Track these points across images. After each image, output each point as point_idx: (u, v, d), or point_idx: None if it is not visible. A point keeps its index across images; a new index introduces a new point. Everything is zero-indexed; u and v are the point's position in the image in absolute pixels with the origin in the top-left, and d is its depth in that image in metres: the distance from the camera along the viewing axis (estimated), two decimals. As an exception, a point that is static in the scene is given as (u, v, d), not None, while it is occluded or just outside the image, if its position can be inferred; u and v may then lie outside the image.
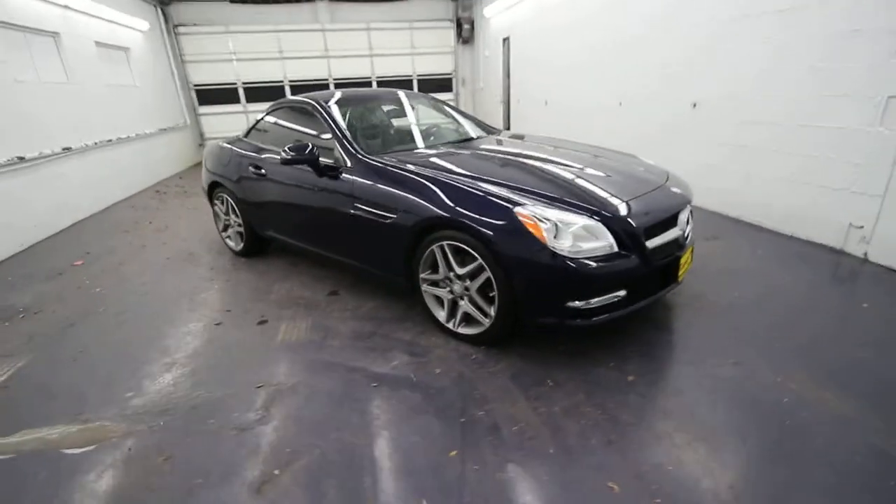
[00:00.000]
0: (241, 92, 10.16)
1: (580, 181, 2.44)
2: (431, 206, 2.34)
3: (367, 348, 2.52)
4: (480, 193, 2.25)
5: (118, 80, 7.11)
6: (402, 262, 2.60)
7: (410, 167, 2.60)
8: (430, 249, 2.42)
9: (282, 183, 3.27)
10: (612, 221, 2.13)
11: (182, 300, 3.24)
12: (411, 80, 11.02)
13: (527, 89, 8.45)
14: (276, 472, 1.72)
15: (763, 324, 2.52)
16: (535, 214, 2.07)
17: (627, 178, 2.57)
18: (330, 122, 3.05)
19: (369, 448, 1.81)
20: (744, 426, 1.82)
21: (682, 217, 2.41)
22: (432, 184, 2.41)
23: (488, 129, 3.75)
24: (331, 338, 2.64)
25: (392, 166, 2.65)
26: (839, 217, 3.34)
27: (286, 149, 2.88)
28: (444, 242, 2.34)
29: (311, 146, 2.86)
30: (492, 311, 2.29)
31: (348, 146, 2.87)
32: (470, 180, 2.39)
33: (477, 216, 2.18)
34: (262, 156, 3.45)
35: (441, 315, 2.56)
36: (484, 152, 2.99)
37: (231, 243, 4.10)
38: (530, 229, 2.06)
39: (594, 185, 2.40)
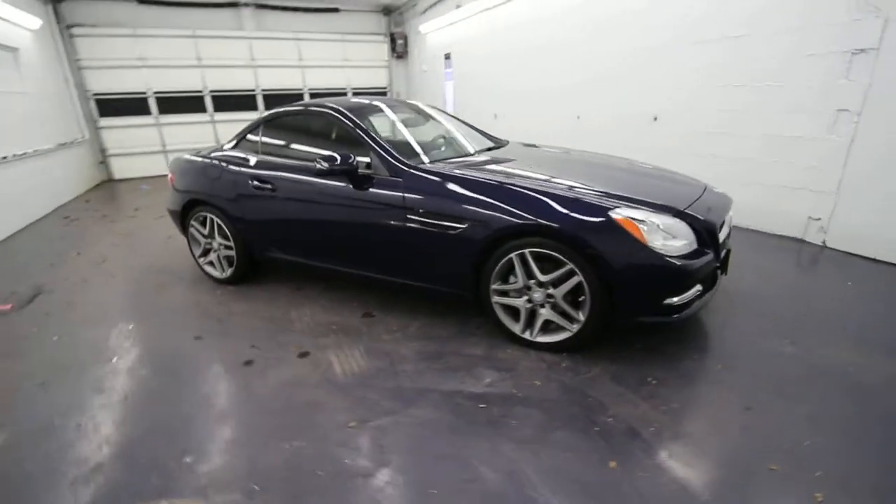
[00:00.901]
0: (152, 102, 9.00)
1: (643, 184, 2.54)
2: (515, 214, 2.26)
3: (446, 369, 2.34)
4: (571, 197, 2.24)
5: (5, 85, 5.89)
6: (467, 274, 2.48)
7: (477, 175, 2.51)
8: (506, 259, 2.34)
9: (297, 199, 2.96)
10: (691, 220, 2.25)
11: (185, 340, 2.74)
12: (346, 93, 10.70)
13: (471, 102, 8.65)
14: (436, 517, 1.51)
15: (781, 307, 2.83)
16: (631, 216, 2.12)
17: (674, 182, 2.74)
18: (362, 131, 2.82)
19: (525, 473, 1.67)
20: (831, 393, 2.02)
21: (728, 215, 2.63)
22: (510, 191, 2.35)
23: (495, 139, 3.75)
24: (399, 363, 2.41)
25: (456, 175, 2.53)
26: (799, 211, 3.91)
27: (320, 159, 2.62)
28: (527, 250, 2.28)
29: (350, 156, 2.63)
30: (581, 316, 2.27)
31: (389, 156, 2.68)
32: (548, 185, 2.37)
33: (570, 221, 2.17)
34: (268, 171, 3.08)
35: (516, 326, 2.47)
36: (532, 159, 2.98)
37: (213, 270, 3.58)
38: (629, 230, 2.09)
39: (656, 188, 2.52)
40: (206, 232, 3.47)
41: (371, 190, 2.66)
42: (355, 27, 10.40)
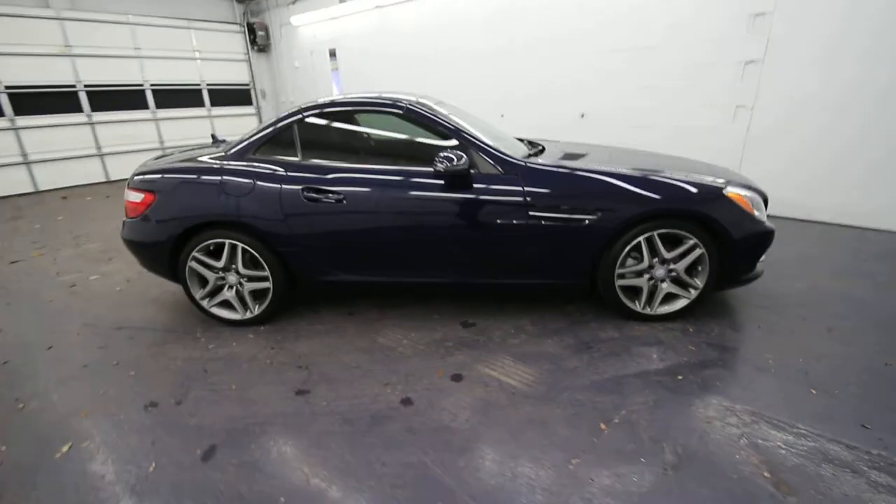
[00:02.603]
0: None
1: (697, 168, 2.96)
2: (648, 200, 2.44)
3: (608, 355, 2.40)
4: (688, 181, 2.52)
5: None
6: (586, 262, 2.58)
7: (596, 167, 2.60)
8: (634, 242, 2.51)
9: (378, 209, 2.57)
10: (759, 192, 2.77)
11: (297, 408, 2.14)
12: (200, 90, 9.05)
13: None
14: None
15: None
16: (739, 192, 2.52)
17: (712, 167, 3.24)
18: (458, 128, 2.61)
19: (777, 408, 1.89)
20: None
21: None
22: (635, 179, 2.51)
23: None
24: (559, 361, 2.37)
25: (578, 168, 2.58)
26: (711, 185, 5.05)
27: (443, 158, 2.37)
28: (655, 232, 2.50)
29: (463, 155, 2.42)
30: (699, 283, 2.60)
31: (498, 153, 2.56)
32: (653, 173, 2.60)
33: (697, 202, 2.46)
34: (329, 179, 2.57)
35: (636, 304, 2.67)
36: (598, 153, 3.09)
37: (226, 312, 2.81)
38: (741, 204, 2.49)
39: (708, 169, 2.98)
40: (220, 264, 2.69)
41: (478, 188, 2.50)
42: (202, 13, 8.89)
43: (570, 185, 2.52)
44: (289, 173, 2.60)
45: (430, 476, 1.69)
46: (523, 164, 2.55)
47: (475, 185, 2.50)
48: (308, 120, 2.73)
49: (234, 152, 2.74)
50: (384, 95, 2.79)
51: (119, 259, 4.09)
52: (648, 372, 2.25)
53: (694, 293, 2.63)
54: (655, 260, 2.56)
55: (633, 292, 2.69)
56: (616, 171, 2.55)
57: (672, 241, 2.55)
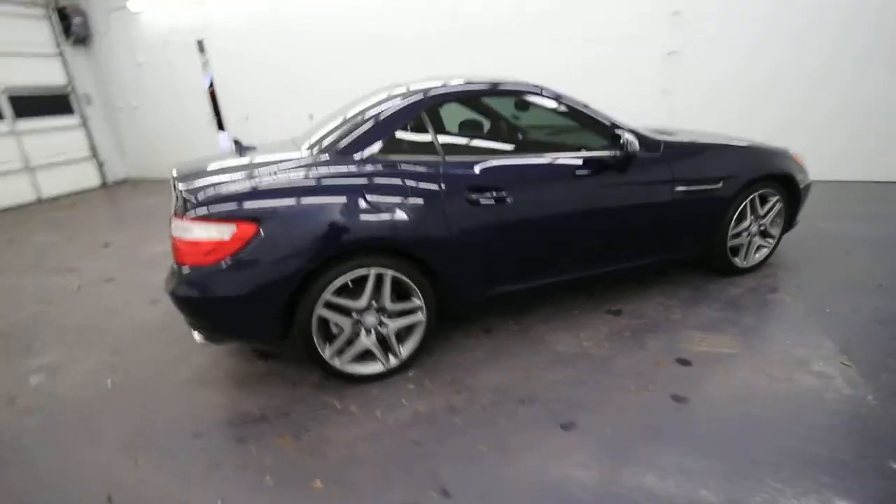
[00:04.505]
0: None
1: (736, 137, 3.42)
2: (755, 167, 2.74)
3: (755, 304, 2.63)
4: (768, 148, 2.89)
5: None
6: (713, 230, 2.78)
7: (708, 140, 2.78)
8: (741, 206, 2.80)
9: (546, 203, 2.31)
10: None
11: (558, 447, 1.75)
12: (-8, 97, 6.42)
13: (267, 101, 7.10)
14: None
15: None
16: (795, 152, 3.01)
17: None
18: (590, 111, 2.48)
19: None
20: None
21: None
22: (745, 148, 2.81)
23: None
24: (739, 320, 2.50)
25: (700, 142, 2.73)
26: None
27: (621, 142, 2.26)
28: (756, 193, 2.82)
29: (633, 137, 2.34)
30: (776, 233, 3.04)
31: (639, 132, 2.53)
32: (736, 142, 2.91)
33: (784, 162, 2.86)
34: (489, 174, 2.16)
35: (737, 260, 2.97)
36: (680, 131, 3.26)
37: (362, 367, 2.15)
38: (799, 161, 3.00)
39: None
40: (360, 304, 2.02)
41: (633, 170, 2.45)
42: (-22, -12, 6.31)
43: (703, 158, 2.66)
44: (442, 173, 2.10)
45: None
46: (663, 141, 2.59)
47: (630, 168, 2.45)
48: (435, 109, 2.25)
49: (336, 153, 2.08)
50: (521, 81, 2.48)
51: (56, 345, 2.70)
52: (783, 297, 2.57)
53: (772, 242, 3.07)
54: (752, 217, 2.91)
55: (734, 251, 3.00)
56: (731, 143, 2.79)
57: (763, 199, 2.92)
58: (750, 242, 2.97)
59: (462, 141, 2.43)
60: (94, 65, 7.64)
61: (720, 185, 2.66)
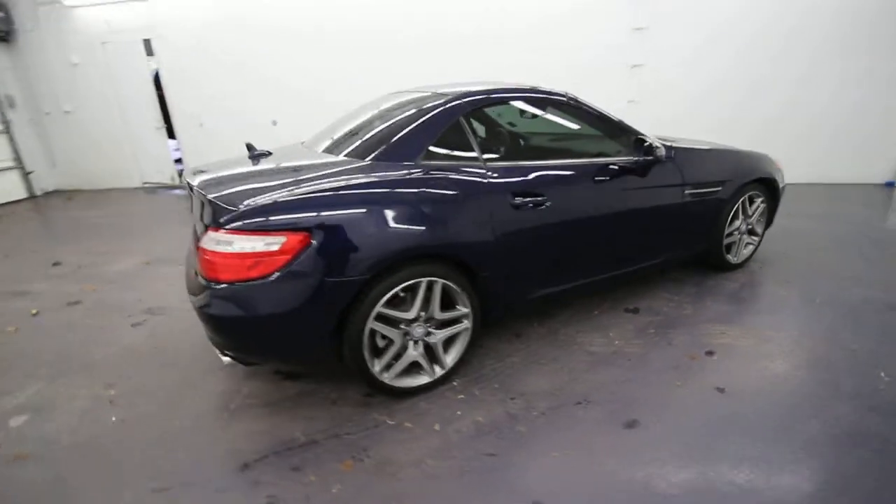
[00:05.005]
0: None
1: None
2: (748, 171, 2.98)
3: (756, 294, 2.83)
4: (753, 153, 3.15)
5: None
6: (712, 230, 2.97)
7: (706, 146, 2.96)
8: (736, 206, 3.02)
9: (579, 206, 2.36)
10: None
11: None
12: None
13: (220, 105, 6.65)
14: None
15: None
16: (774, 158, 3.30)
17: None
18: (607, 116, 2.58)
19: None
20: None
21: None
22: (734, 154, 3.03)
23: None
24: (745, 312, 2.67)
25: (702, 147, 2.91)
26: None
27: (647, 147, 2.41)
28: (747, 195, 3.05)
29: (658, 143, 2.45)
30: (760, 230, 3.30)
31: (652, 138, 2.64)
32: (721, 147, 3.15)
33: (767, 168, 3.11)
34: (528, 178, 2.16)
35: (730, 256, 3.19)
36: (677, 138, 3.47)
37: (411, 380, 2.05)
38: (779, 166, 3.28)
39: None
40: (410, 315, 1.93)
41: (652, 174, 2.57)
42: None
43: (705, 163, 2.83)
44: (487, 177, 2.08)
45: None
46: (673, 147, 2.73)
47: (650, 172, 2.56)
48: (473, 112, 2.23)
49: (378, 158, 2.00)
50: (549, 89, 2.52)
51: (33, 379, 2.33)
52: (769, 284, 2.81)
53: (757, 239, 3.34)
54: (743, 217, 3.14)
55: (727, 248, 3.21)
56: (727, 149, 3.01)
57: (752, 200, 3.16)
58: (740, 240, 3.21)
59: (499, 146, 2.43)
60: (18, 64, 6.76)
61: (720, 187, 2.86)
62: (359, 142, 2.21)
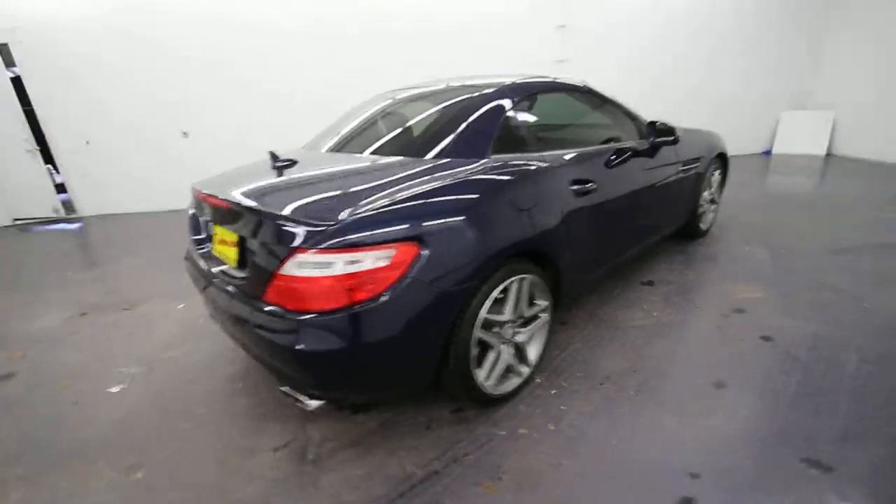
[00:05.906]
0: None
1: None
2: (715, 146, 3.42)
3: (731, 257, 3.22)
4: (712, 131, 3.56)
5: None
6: (695, 204, 3.32)
7: (690, 127, 3.29)
8: (708, 180, 3.41)
9: (620, 190, 2.46)
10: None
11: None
12: None
13: (112, 118, 5.61)
14: None
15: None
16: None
17: None
18: (618, 102, 2.71)
19: None
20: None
21: None
22: (703, 133, 3.41)
23: None
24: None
25: (687, 129, 3.21)
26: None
27: (665, 130, 2.60)
28: (714, 168, 3.46)
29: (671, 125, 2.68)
30: (718, 198, 3.76)
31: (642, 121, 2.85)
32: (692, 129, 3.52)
33: (722, 145, 3.57)
34: (581, 165, 2.20)
35: (701, 225, 3.58)
36: None
37: (494, 387, 1.93)
38: (724, 141, 3.76)
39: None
40: (506, 317, 1.84)
41: (658, 155, 2.77)
42: None
43: (687, 142, 3.12)
44: (552, 166, 2.05)
45: None
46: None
47: (657, 153, 2.75)
48: (517, 105, 2.17)
49: (452, 155, 1.87)
50: (566, 78, 2.54)
51: (15, 482, 1.73)
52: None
53: (716, 207, 3.80)
54: (708, 188, 3.55)
55: (699, 217, 3.60)
56: (696, 129, 3.35)
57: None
58: (706, 209, 3.62)
59: (542, 136, 2.41)
60: None
61: (698, 163, 3.19)
62: (403, 141, 2.04)
